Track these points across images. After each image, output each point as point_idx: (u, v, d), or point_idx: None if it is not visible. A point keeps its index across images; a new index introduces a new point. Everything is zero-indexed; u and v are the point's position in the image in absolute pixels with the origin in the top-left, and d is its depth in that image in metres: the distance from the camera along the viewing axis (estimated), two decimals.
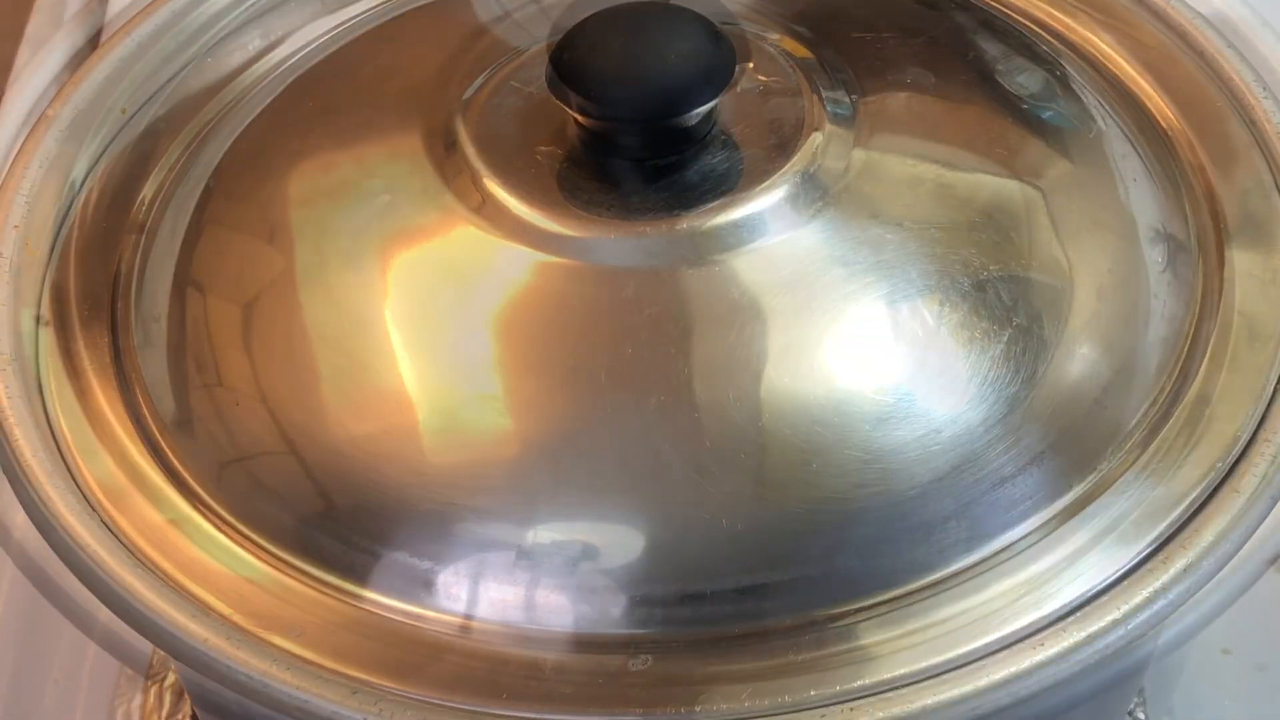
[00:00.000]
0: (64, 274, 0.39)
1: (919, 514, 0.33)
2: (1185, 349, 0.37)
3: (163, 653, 0.44)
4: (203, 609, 0.32)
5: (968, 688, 0.31)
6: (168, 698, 0.50)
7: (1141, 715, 0.49)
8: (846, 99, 0.37)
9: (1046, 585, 0.33)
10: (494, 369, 0.34)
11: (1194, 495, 0.34)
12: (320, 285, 0.36)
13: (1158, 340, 0.37)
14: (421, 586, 0.33)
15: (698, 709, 0.31)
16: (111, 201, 0.40)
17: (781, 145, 0.36)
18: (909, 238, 0.35)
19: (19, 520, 0.34)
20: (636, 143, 0.36)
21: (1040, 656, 0.31)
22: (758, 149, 0.36)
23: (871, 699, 0.31)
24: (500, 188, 0.36)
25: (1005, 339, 0.35)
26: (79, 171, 0.41)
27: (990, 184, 0.37)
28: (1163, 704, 0.49)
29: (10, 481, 0.34)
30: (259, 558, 0.34)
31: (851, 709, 0.31)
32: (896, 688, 0.31)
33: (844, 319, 0.34)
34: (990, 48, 0.41)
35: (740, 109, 0.37)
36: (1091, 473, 0.35)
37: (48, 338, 0.37)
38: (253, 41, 0.43)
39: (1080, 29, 0.44)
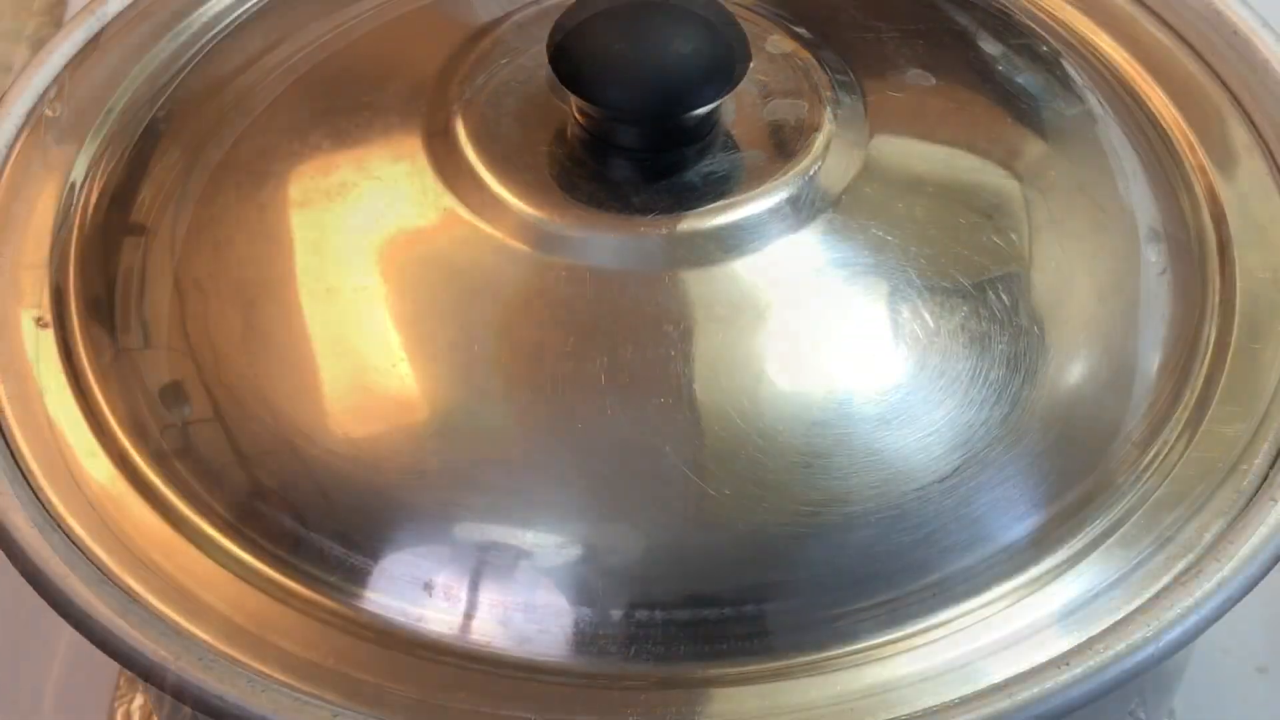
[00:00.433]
0: (64, 274, 0.39)
1: (920, 515, 0.33)
2: (1186, 349, 0.37)
3: None
4: (172, 629, 0.32)
5: (988, 710, 0.31)
6: (168, 698, 0.50)
7: (1141, 715, 0.48)
8: (847, 100, 0.37)
9: (1047, 586, 0.33)
10: (494, 369, 0.34)
11: (1195, 495, 0.34)
12: (320, 286, 0.36)
13: (1158, 340, 0.37)
14: (420, 588, 0.33)
15: (698, 711, 0.31)
16: (111, 201, 0.40)
17: (783, 146, 0.36)
18: (910, 239, 0.35)
19: (19, 520, 0.34)
20: (638, 142, 0.36)
21: (1066, 676, 0.31)
22: (759, 150, 0.36)
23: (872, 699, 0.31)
24: (501, 188, 0.36)
25: (1005, 340, 0.35)
26: (79, 171, 0.41)
27: (991, 185, 0.37)
28: (1162, 705, 0.49)
29: (10, 482, 0.34)
30: (258, 558, 0.34)
31: (851, 709, 0.31)
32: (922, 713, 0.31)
33: (844, 320, 0.35)
34: (990, 48, 0.41)
35: (741, 109, 0.37)
36: (1092, 473, 0.35)
37: (48, 339, 0.37)
38: (253, 41, 0.43)
39: (1080, 29, 0.44)
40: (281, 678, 0.32)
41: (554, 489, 0.33)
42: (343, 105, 0.39)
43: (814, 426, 0.33)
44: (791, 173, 0.36)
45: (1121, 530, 0.34)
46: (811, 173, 0.36)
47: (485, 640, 0.33)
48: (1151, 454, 0.35)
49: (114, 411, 0.36)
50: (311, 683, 0.32)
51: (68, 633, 0.33)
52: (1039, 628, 0.33)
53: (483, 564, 0.33)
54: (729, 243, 0.35)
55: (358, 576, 0.33)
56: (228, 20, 0.44)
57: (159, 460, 0.35)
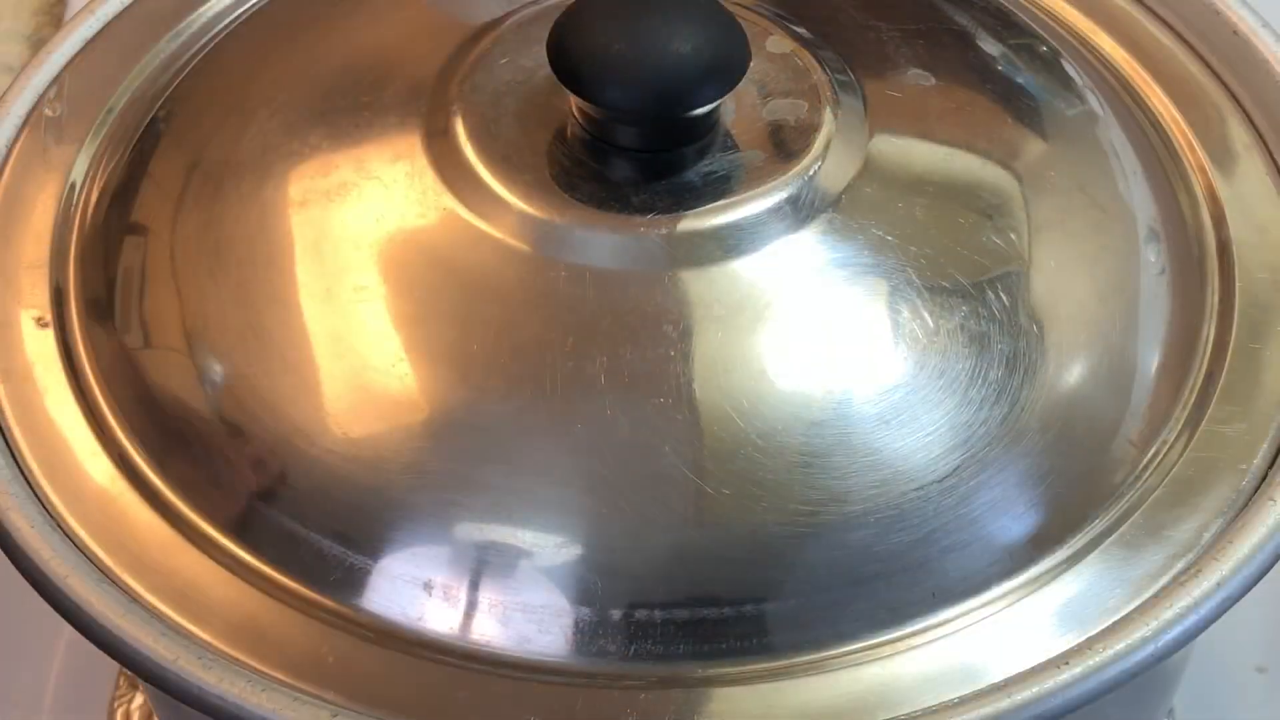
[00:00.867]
0: (64, 274, 0.39)
1: (919, 514, 0.33)
2: (1185, 349, 0.37)
3: None
4: (172, 628, 0.32)
5: (988, 709, 0.31)
6: (168, 698, 0.50)
7: None
8: (847, 100, 0.37)
9: (1047, 585, 0.33)
10: (493, 369, 0.34)
11: (1194, 495, 0.34)
12: (320, 286, 0.36)
13: (1157, 340, 0.37)
14: (420, 588, 0.33)
15: (697, 711, 0.31)
16: (111, 201, 0.40)
17: (783, 146, 0.36)
18: (910, 239, 0.35)
19: (19, 520, 0.34)
20: (637, 141, 0.36)
21: (1065, 676, 0.31)
22: (759, 149, 0.36)
23: (871, 699, 0.31)
24: (501, 188, 0.36)
25: (1005, 339, 0.35)
26: (79, 171, 0.41)
27: (991, 185, 0.37)
28: (1162, 705, 0.49)
29: (10, 481, 0.34)
30: (258, 558, 0.34)
31: (851, 709, 0.31)
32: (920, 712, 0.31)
33: (844, 320, 0.34)
34: (990, 47, 0.41)
35: (741, 109, 0.37)
36: (1091, 472, 0.35)
37: (48, 339, 0.37)
38: (253, 41, 0.43)
39: (1080, 29, 0.44)
40: (281, 678, 0.32)
41: (553, 489, 0.33)
42: (342, 105, 0.39)
43: (813, 426, 0.33)
44: (791, 173, 0.36)
45: (1120, 530, 0.34)
46: (811, 173, 0.36)
47: (485, 640, 0.33)
48: (1150, 454, 0.35)
49: (114, 412, 0.36)
50: (311, 683, 0.32)
51: (68, 633, 0.33)
52: (1038, 628, 0.33)
53: (482, 564, 0.33)
54: (729, 243, 0.35)
55: (357, 576, 0.33)
56: (228, 20, 0.44)
57: (159, 460, 0.35)
